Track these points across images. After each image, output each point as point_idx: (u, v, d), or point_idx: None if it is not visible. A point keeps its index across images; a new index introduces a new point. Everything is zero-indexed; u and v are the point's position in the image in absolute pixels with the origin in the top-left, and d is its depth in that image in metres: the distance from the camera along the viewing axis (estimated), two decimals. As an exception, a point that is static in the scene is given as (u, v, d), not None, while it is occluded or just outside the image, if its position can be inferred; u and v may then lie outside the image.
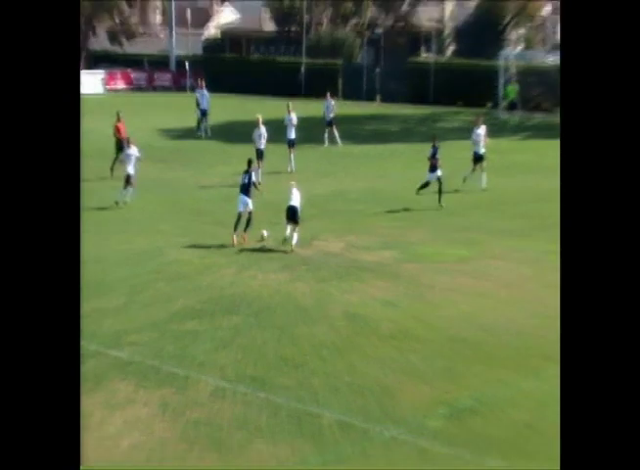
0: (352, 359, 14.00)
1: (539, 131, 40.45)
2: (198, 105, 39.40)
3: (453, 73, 49.98)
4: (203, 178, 28.91)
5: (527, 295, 17.31)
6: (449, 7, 73.18)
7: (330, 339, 14.90)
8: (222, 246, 20.68)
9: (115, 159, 28.02)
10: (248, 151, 26.89)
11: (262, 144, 28.42)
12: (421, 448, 11.18)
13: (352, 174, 30.30)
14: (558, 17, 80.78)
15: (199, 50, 71.83)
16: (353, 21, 65.12)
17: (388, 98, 50.41)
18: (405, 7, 68.96)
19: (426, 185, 25.37)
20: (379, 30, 67.55)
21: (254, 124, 29.07)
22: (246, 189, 21.01)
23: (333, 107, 35.91)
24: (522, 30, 70.54)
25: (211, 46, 74.49)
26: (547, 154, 30.13)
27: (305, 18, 61.77)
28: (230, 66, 56.75)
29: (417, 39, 70.57)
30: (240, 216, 20.83)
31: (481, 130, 27.97)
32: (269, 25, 71.74)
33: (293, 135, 30.82)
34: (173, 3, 63.95)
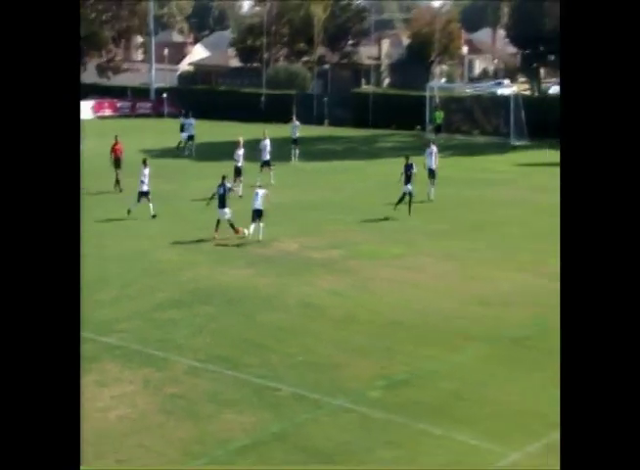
0: (306, 341, 13.93)
1: (460, 150, 40.66)
2: (182, 129, 39.12)
3: (388, 101, 50.08)
4: (183, 191, 28.56)
5: (452, 285, 17.38)
6: (385, 46, 73.62)
7: (287, 324, 14.82)
8: (199, 247, 20.53)
9: (117, 175, 27.76)
10: (219, 168, 26.59)
11: (241, 162, 28.19)
12: (363, 415, 11.15)
13: (306, 187, 30.20)
14: (474, 56, 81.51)
15: (175, 82, 71.28)
16: (305, 57, 65.09)
17: (335, 122, 50.38)
18: (349, 46, 69.16)
19: (402, 199, 24.07)
20: (327, 65, 67.61)
21: (235, 145, 28.74)
22: (222, 202, 21.06)
23: (298, 128, 35.74)
24: (444, 66, 71.17)
25: (185, 78, 74.03)
26: (466, 169, 30.37)
27: (265, 55, 61.60)
28: (201, 95, 56.22)
29: (359, 73, 70.83)
30: (220, 220, 20.98)
31: (433, 149, 27.68)
32: (234, 61, 71.45)
33: (267, 157, 30.45)
34: (153, 42, 63.36)
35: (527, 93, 57.32)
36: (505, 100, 45.14)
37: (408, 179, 24.14)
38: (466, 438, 10.44)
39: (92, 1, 60.70)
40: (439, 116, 44.99)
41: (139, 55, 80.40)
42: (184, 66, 78.67)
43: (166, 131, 43.74)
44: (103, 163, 28.95)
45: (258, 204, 20.94)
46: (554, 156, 38.45)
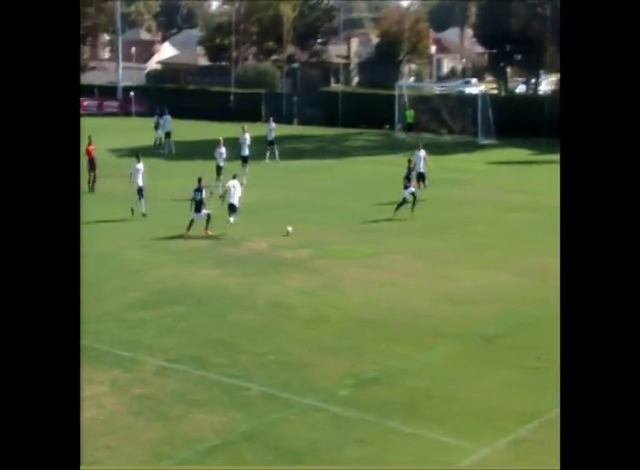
0: (276, 340, 13.92)
1: (428, 149, 40.67)
2: (157, 127, 38.85)
3: (358, 100, 50.16)
4: (154, 191, 28.33)
5: (422, 283, 17.47)
6: (354, 45, 73.74)
7: (257, 323, 14.79)
8: (169, 246, 20.43)
9: (92, 177, 27.49)
10: (189, 166, 26.49)
11: (222, 161, 28.05)
12: (333, 414, 11.17)
13: (276, 185, 30.15)
14: (442, 55, 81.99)
15: (142, 80, 70.69)
16: (275, 56, 64.94)
17: (304, 121, 50.35)
18: (318, 45, 69.16)
19: (402, 203, 23.64)
20: (296, 64, 67.53)
21: (216, 144, 28.55)
22: (198, 207, 21.12)
23: (273, 129, 35.73)
24: (413, 65, 71.46)
25: (153, 77, 73.42)
26: (434, 168, 30.34)
27: (234, 53, 61.37)
28: (169, 94, 55.75)
29: (328, 72, 70.86)
30: (193, 221, 21.08)
31: (422, 153, 27.61)
32: (203, 60, 71.04)
33: (246, 152, 30.36)
34: (120, 40, 62.81)
35: (495, 92, 57.78)
36: (473, 99, 45.46)
37: (408, 184, 23.85)
38: (435, 435, 10.51)
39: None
40: (410, 114, 45.15)
41: (106, 53, 79.68)
42: (152, 64, 78.07)
43: (134, 130, 43.39)
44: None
45: (234, 199, 21.39)
46: (521, 154, 38.89)
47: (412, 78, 65.29)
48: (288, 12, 62.09)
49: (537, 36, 51.50)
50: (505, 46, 56.87)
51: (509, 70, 64.11)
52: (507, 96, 55.50)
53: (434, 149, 40.68)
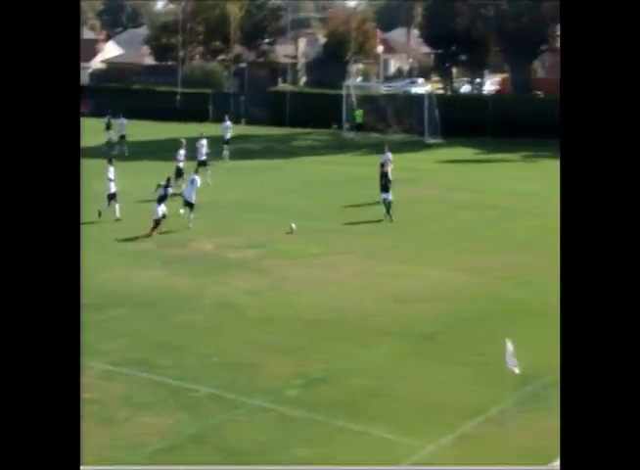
0: (223, 341, 13.86)
1: (375, 148, 41.05)
2: (108, 128, 38.45)
3: (305, 100, 50.20)
4: (101, 192, 27.87)
5: (369, 283, 17.56)
6: (302, 45, 73.79)
7: (203, 324, 14.71)
8: (115, 248, 20.16)
9: None
10: (136, 167, 26.15)
11: (182, 163, 27.77)
12: (280, 414, 11.17)
13: (223, 186, 29.98)
14: (389, 55, 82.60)
15: (86, 80, 69.63)
16: (222, 56, 64.61)
17: (252, 121, 50.15)
18: (265, 45, 69.03)
19: (388, 206, 23.36)
20: (243, 64, 67.28)
21: (178, 145, 28.19)
22: (159, 202, 21.50)
23: (229, 129, 35.53)
24: (360, 65, 71.82)
25: (98, 76, 72.29)
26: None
27: (181, 53, 60.86)
28: (114, 94, 55.02)
29: (275, 71, 70.76)
30: (158, 222, 21.23)
31: (389, 155, 27.55)
32: (149, 59, 70.31)
33: (204, 157, 30.01)
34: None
35: (441, 92, 58.40)
36: (419, 99, 45.84)
37: (384, 187, 23.78)
38: (382, 433, 10.59)
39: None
40: (359, 114, 45.34)
41: (49, 52, 78.25)
42: (96, 63, 76.93)
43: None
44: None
45: (188, 192, 22.35)
46: (467, 153, 39.39)
47: (359, 78, 65.56)
48: (235, 11, 61.82)
49: (481, 37, 52.22)
50: (450, 46, 57.52)
51: (454, 70, 64.91)
52: (452, 96, 56.17)
53: (381, 148, 40.91)
